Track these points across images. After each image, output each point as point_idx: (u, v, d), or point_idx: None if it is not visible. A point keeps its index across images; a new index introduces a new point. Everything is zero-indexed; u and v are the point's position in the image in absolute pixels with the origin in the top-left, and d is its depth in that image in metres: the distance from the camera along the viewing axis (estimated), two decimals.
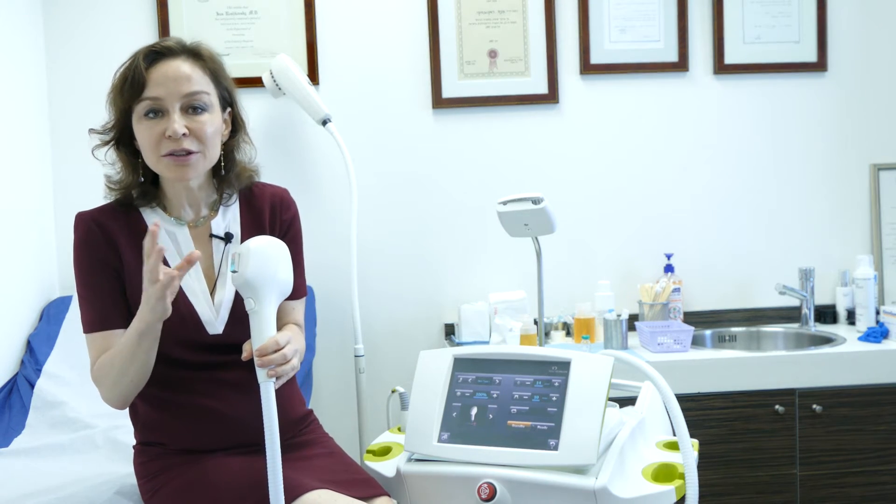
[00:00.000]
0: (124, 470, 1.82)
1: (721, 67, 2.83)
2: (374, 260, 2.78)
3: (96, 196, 2.85)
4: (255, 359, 1.41)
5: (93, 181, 2.66)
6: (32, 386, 2.28)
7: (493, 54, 2.78)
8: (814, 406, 2.38)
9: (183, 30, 2.68)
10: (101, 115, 2.68)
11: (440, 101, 2.77)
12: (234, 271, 1.43)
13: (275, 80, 2.55)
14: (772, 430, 2.38)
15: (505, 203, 2.11)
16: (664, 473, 1.51)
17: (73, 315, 2.50)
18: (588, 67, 2.80)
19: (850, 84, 2.88)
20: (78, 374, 2.34)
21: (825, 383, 2.39)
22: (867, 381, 2.40)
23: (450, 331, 2.79)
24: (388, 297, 2.80)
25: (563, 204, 2.76)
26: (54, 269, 2.68)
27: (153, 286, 1.42)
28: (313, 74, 2.72)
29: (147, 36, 2.69)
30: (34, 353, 2.38)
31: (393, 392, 1.93)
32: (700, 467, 1.57)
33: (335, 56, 2.76)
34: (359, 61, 2.77)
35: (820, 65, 2.85)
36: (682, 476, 1.49)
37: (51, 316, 2.51)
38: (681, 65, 2.82)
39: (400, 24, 2.77)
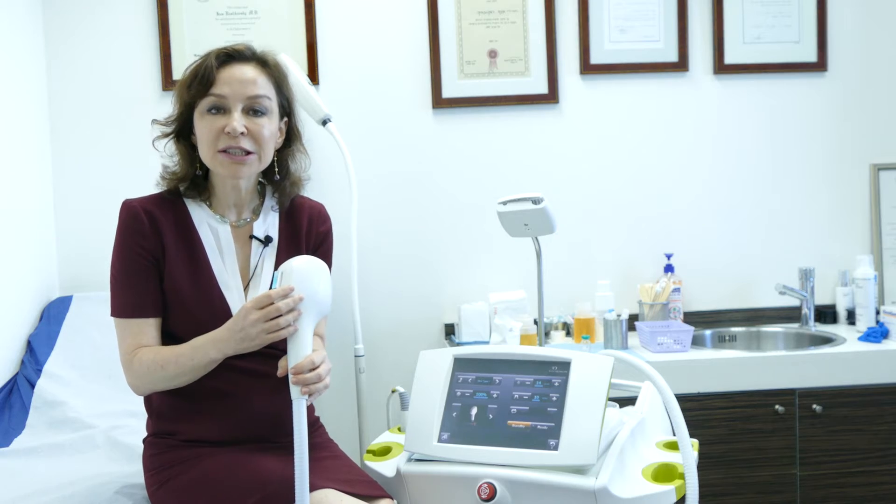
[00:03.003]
0: (124, 470, 1.83)
1: (721, 67, 2.83)
2: (374, 260, 2.78)
3: (96, 195, 2.85)
4: (290, 376, 1.44)
5: (93, 181, 2.69)
6: (33, 386, 2.28)
7: (493, 54, 2.78)
8: (814, 406, 2.38)
9: (183, 30, 2.68)
10: (102, 114, 2.70)
11: (440, 101, 2.77)
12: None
13: None
14: (772, 430, 2.38)
15: (505, 203, 2.11)
16: (664, 473, 1.51)
17: (73, 315, 2.51)
18: (588, 67, 2.80)
19: (850, 84, 2.88)
20: (78, 374, 2.34)
21: (825, 383, 2.38)
22: (867, 381, 2.39)
23: (450, 331, 2.79)
24: (388, 297, 2.80)
25: (563, 204, 2.76)
26: (54, 269, 2.68)
27: (262, 333, 1.46)
28: (313, 74, 2.72)
29: (147, 36, 2.69)
30: (34, 353, 2.38)
31: (393, 392, 1.93)
32: (700, 467, 1.57)
33: (335, 56, 2.76)
34: (359, 61, 2.77)
35: (820, 65, 2.85)
36: (682, 476, 1.48)
37: (51, 316, 2.51)
38: (681, 65, 2.82)
39: (400, 24, 2.77)
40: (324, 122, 2.55)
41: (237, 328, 1.49)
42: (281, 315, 1.45)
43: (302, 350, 1.46)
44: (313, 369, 1.45)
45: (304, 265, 1.49)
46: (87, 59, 2.69)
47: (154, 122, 1.69)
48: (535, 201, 2.06)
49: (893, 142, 2.90)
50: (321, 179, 2.74)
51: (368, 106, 2.77)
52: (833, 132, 2.88)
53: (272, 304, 1.45)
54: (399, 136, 2.79)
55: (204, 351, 1.53)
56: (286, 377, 1.47)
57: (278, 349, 1.55)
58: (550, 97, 2.79)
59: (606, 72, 2.81)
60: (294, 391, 1.44)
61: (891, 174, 2.88)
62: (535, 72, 2.79)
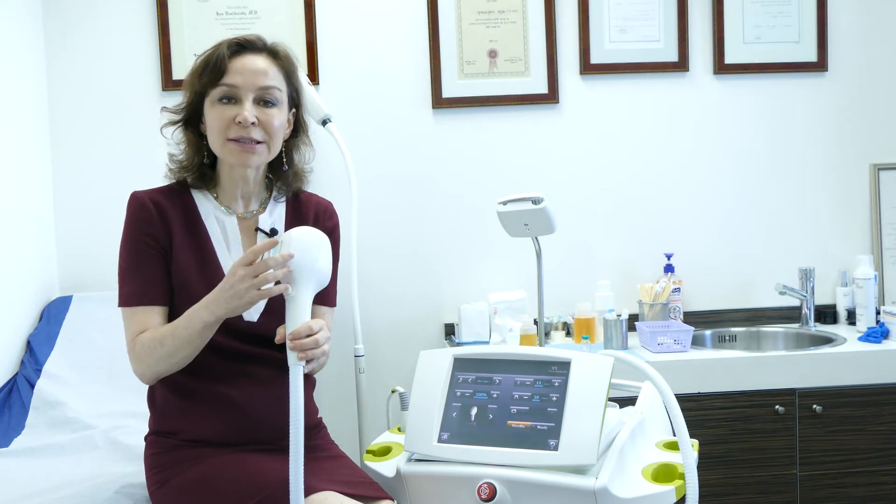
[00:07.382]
0: (124, 470, 1.83)
1: (721, 67, 2.83)
2: (374, 260, 2.78)
3: (96, 195, 2.85)
4: (288, 342, 1.45)
5: (93, 181, 2.69)
6: (32, 386, 2.28)
7: (493, 54, 2.78)
8: (814, 406, 2.38)
9: (183, 30, 2.68)
10: (101, 114, 2.70)
11: (440, 101, 2.77)
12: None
13: None
14: (772, 430, 2.38)
15: (505, 203, 2.11)
16: (664, 473, 1.51)
17: (74, 315, 2.51)
18: (588, 67, 2.80)
19: (850, 84, 2.88)
20: (78, 374, 2.34)
21: (825, 383, 2.39)
22: (867, 381, 2.39)
23: (450, 331, 2.79)
24: (388, 297, 2.79)
25: (563, 204, 2.76)
26: (54, 269, 2.68)
27: (252, 289, 1.45)
28: (313, 74, 2.72)
29: (147, 36, 2.69)
30: (34, 353, 2.38)
31: (393, 392, 1.93)
32: (700, 467, 1.57)
33: (335, 56, 2.76)
34: (359, 61, 2.77)
35: (820, 65, 2.85)
36: (682, 476, 1.48)
37: (51, 316, 2.51)
38: (681, 65, 2.82)
39: (400, 24, 2.77)
40: (324, 122, 2.55)
41: (227, 286, 1.48)
42: (270, 270, 1.44)
43: (300, 317, 1.46)
44: (310, 335, 1.45)
45: (303, 233, 1.49)
46: (87, 59, 2.69)
47: (164, 109, 1.70)
48: (535, 201, 2.06)
49: (893, 142, 2.90)
50: (321, 180, 2.74)
51: (368, 106, 2.77)
52: (833, 132, 2.88)
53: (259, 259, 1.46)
54: (399, 136, 2.79)
55: (197, 316, 1.52)
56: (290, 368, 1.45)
57: (284, 354, 1.53)
58: (550, 97, 2.79)
59: (606, 72, 2.81)
60: (291, 357, 1.44)
61: (891, 174, 2.88)
62: (535, 72, 2.79)
